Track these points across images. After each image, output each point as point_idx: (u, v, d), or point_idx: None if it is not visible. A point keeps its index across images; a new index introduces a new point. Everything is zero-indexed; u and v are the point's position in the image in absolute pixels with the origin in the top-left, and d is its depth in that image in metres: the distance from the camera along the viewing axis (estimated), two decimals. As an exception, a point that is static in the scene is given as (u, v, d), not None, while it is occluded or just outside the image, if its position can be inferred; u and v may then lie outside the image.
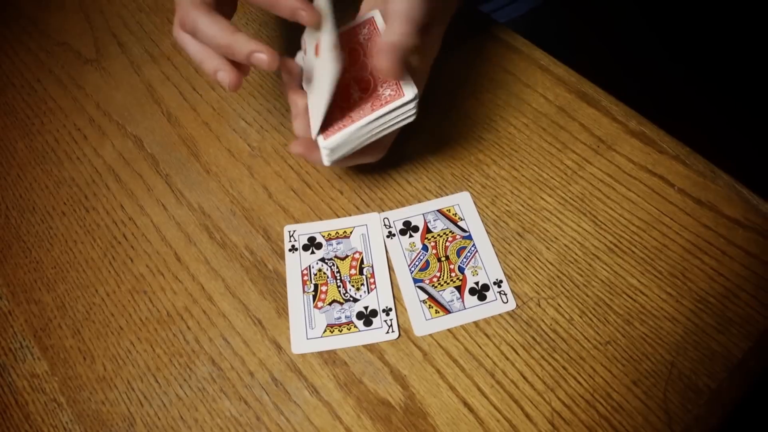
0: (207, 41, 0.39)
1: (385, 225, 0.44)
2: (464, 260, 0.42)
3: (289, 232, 0.45)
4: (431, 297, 0.41)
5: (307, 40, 0.42)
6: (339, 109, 0.40)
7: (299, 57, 0.43)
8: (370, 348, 0.40)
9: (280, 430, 0.38)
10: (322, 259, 0.43)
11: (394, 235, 0.44)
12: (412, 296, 0.41)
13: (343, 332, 0.40)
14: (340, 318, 0.41)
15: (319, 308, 0.41)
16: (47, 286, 0.45)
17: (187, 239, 0.46)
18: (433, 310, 0.40)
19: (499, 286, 0.41)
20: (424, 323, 0.40)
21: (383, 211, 0.45)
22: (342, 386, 0.39)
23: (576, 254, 0.42)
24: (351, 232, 0.44)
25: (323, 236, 0.44)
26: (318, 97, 0.40)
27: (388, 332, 0.40)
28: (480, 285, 0.41)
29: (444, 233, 0.44)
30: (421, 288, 0.41)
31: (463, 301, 0.41)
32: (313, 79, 0.41)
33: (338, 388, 0.39)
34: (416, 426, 0.37)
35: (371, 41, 0.42)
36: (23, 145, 0.53)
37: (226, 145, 0.51)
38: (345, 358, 0.40)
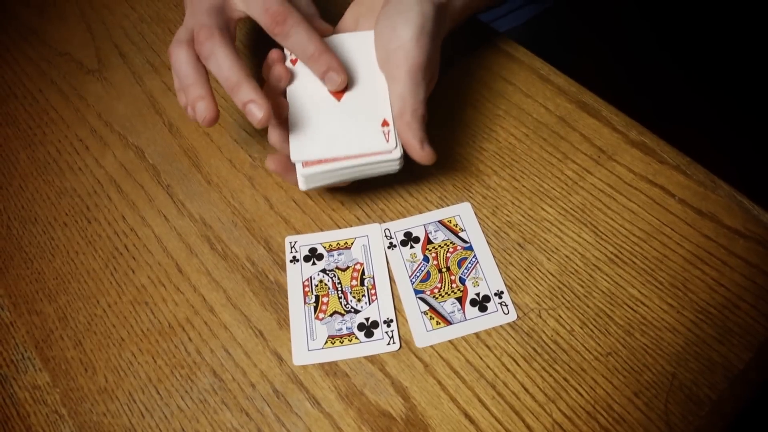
0: (216, 71, 0.39)
1: (386, 236, 0.44)
2: (465, 271, 0.42)
3: (290, 243, 0.45)
4: (432, 308, 0.41)
5: None
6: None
7: (287, 61, 0.43)
8: (372, 359, 0.40)
9: (282, 442, 0.38)
10: (324, 270, 0.43)
11: (395, 246, 0.44)
12: (413, 307, 0.41)
13: (344, 343, 0.40)
14: (341, 329, 0.41)
15: (321, 319, 0.41)
16: (49, 297, 0.45)
17: (188, 250, 0.46)
18: (434, 322, 0.40)
19: (500, 297, 0.41)
20: (425, 334, 0.40)
21: (384, 222, 0.45)
22: (343, 398, 0.39)
23: (577, 265, 0.42)
24: (352, 243, 0.44)
25: (324, 247, 0.45)
26: (303, 117, 0.41)
27: (389, 344, 0.40)
28: (481, 296, 0.41)
29: (445, 244, 0.44)
30: (422, 299, 0.41)
31: (464, 313, 0.41)
32: (301, 96, 0.42)
33: (339, 400, 0.39)
34: (418, 438, 0.37)
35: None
36: (25, 155, 0.53)
37: (228, 156, 0.51)
38: (346, 370, 0.40)
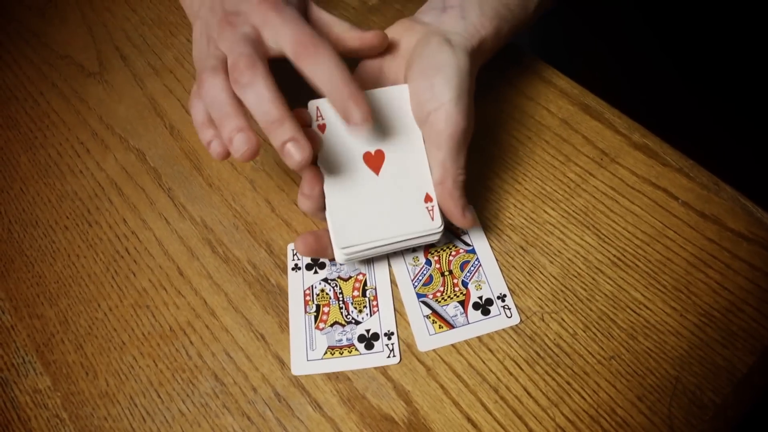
0: (254, 104, 0.35)
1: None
2: (468, 274, 0.42)
3: (293, 250, 0.45)
4: (435, 312, 0.41)
5: (324, 109, 0.41)
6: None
7: (314, 124, 0.40)
8: (374, 363, 0.40)
9: (284, 447, 0.38)
10: (325, 280, 0.43)
11: (396, 248, 0.44)
12: (415, 311, 0.41)
13: (344, 355, 0.40)
14: (341, 340, 0.41)
15: (321, 329, 0.41)
16: (50, 300, 0.45)
17: (189, 253, 0.46)
18: (436, 325, 0.40)
19: (503, 301, 0.41)
20: (427, 338, 0.40)
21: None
22: (345, 402, 0.39)
23: (579, 268, 0.42)
24: (354, 247, 0.44)
25: (326, 251, 0.44)
26: (340, 195, 0.39)
27: (389, 356, 0.40)
28: (484, 299, 0.41)
29: (447, 247, 0.44)
30: (425, 303, 0.41)
31: (466, 316, 0.40)
32: (335, 167, 0.39)
33: (341, 404, 0.39)
34: (420, 442, 0.37)
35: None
36: (26, 158, 0.53)
37: (229, 159, 0.50)
38: (348, 374, 0.39)
